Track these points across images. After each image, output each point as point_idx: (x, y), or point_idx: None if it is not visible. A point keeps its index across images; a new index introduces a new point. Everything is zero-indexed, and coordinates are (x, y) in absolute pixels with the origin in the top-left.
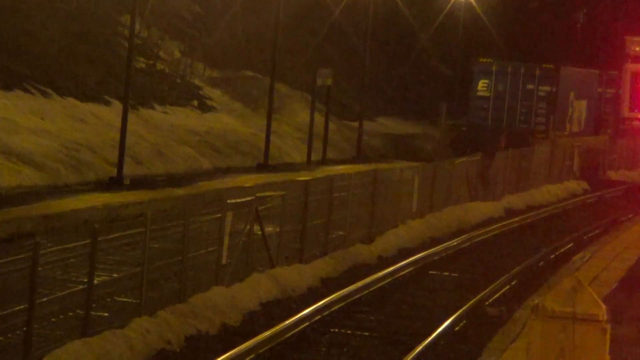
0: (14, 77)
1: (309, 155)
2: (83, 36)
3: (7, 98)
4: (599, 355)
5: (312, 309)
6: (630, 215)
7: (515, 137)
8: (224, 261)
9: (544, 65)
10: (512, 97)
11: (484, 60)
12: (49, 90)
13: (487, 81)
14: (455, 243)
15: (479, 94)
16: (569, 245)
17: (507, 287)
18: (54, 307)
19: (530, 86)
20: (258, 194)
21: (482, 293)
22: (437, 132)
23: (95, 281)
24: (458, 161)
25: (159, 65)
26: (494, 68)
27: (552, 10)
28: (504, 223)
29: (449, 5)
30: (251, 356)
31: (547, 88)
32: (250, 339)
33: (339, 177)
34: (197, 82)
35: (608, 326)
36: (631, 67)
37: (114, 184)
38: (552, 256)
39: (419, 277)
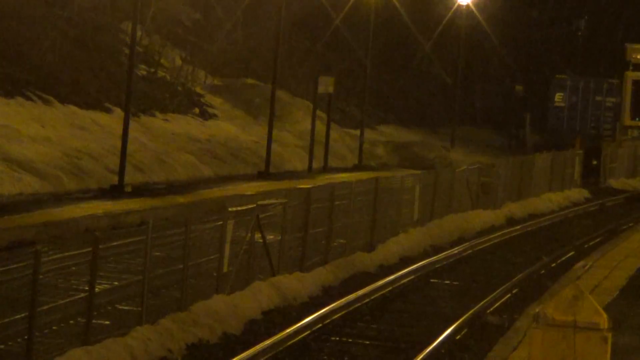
0: (15, 85)
1: (310, 163)
2: (84, 43)
3: (8, 105)
4: None
5: (313, 317)
6: (631, 224)
7: (586, 141)
8: (225, 269)
9: (610, 80)
10: (584, 107)
11: (560, 76)
12: (50, 98)
13: (562, 94)
14: (456, 251)
15: (556, 104)
16: (570, 254)
17: (508, 295)
18: (55, 315)
19: (598, 98)
20: (259, 202)
21: (483, 301)
22: (526, 136)
23: (97, 289)
24: (459, 169)
25: (160, 73)
26: (568, 83)
27: (553, 18)
28: (505, 231)
29: (450, 13)
30: None
31: (613, 99)
32: (251, 347)
33: (340, 185)
34: (198, 89)
35: (609, 335)
36: (632, 75)
37: (115, 191)
38: (553, 264)
39: (420, 285)
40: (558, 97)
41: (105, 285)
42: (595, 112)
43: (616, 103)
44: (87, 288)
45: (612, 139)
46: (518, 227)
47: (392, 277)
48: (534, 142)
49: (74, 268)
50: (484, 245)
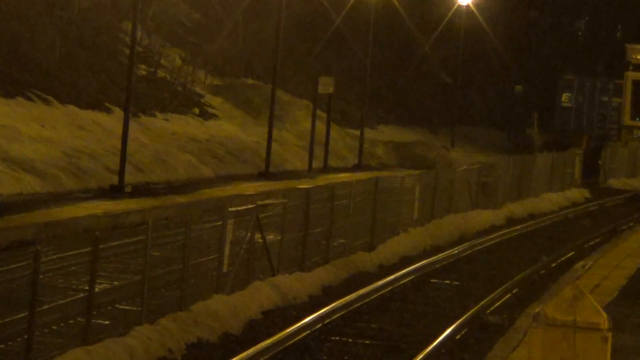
0: (15, 85)
1: (310, 163)
2: (84, 43)
3: (8, 105)
4: None
5: (313, 317)
6: (632, 224)
7: (593, 140)
8: (225, 269)
9: (616, 81)
10: (590, 107)
11: (567, 77)
12: (50, 98)
13: (569, 94)
14: (456, 251)
15: (563, 104)
16: (570, 254)
17: (508, 295)
18: (55, 315)
19: (604, 98)
20: (259, 202)
21: (483, 301)
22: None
23: (96, 289)
24: (459, 169)
25: (160, 73)
26: (575, 83)
27: (553, 18)
28: (505, 231)
29: (450, 14)
30: None
31: (618, 100)
32: (251, 347)
33: (340, 185)
34: (198, 89)
35: (609, 335)
36: (632, 75)
37: (115, 191)
38: (554, 264)
39: (420, 285)
40: (565, 97)
41: (105, 285)
42: (602, 112)
43: (621, 103)
44: (86, 288)
45: (618, 138)
46: (518, 227)
47: (392, 277)
48: (542, 141)
49: (73, 268)
50: (484, 245)
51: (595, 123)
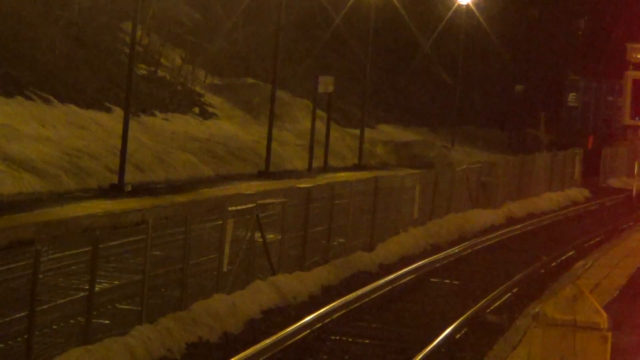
0: (15, 84)
1: (310, 162)
2: (84, 43)
3: (8, 105)
4: None
5: (313, 317)
6: (631, 223)
7: (598, 139)
8: (225, 268)
9: (620, 81)
10: (596, 106)
11: (573, 77)
12: (50, 97)
13: (575, 94)
14: (456, 251)
15: (569, 104)
16: (570, 253)
17: (508, 294)
18: (55, 315)
19: (610, 98)
20: (259, 202)
21: (483, 301)
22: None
23: (96, 288)
24: (459, 169)
25: (160, 72)
26: (581, 84)
27: (553, 18)
28: (505, 231)
29: (450, 13)
30: None
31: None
32: (251, 346)
33: (340, 185)
34: (198, 89)
35: (609, 334)
36: (632, 74)
37: (115, 190)
38: (553, 264)
39: (420, 284)
40: (571, 97)
41: (105, 285)
42: (607, 111)
43: None
44: (87, 287)
45: (623, 138)
46: (518, 226)
47: (392, 276)
48: (548, 141)
49: (73, 267)
50: (484, 245)
51: (601, 122)
